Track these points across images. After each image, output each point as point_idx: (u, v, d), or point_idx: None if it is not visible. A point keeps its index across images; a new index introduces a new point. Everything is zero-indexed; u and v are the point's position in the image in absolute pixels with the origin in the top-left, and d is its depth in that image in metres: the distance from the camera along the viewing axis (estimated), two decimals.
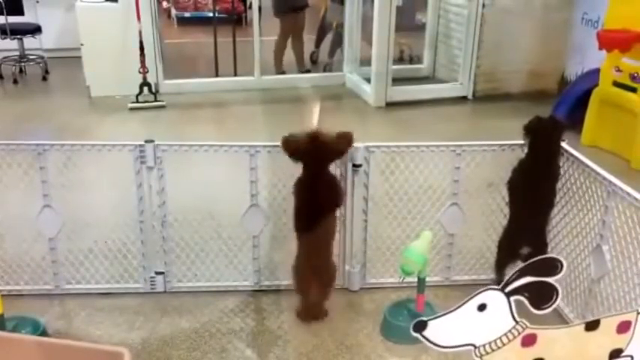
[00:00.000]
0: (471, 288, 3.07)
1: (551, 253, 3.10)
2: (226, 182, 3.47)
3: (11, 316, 2.76)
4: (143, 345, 2.81)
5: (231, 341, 2.85)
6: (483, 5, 6.49)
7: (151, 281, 3.19)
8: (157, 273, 3.18)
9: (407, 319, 2.88)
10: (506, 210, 3.14)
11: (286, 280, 3.20)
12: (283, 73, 7.49)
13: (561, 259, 1.72)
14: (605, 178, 2.69)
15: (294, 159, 2.79)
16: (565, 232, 3.02)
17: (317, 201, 2.83)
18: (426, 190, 3.15)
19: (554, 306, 1.72)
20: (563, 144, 3.02)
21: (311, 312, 3.00)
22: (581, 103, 5.50)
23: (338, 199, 2.93)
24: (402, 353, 2.78)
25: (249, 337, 2.88)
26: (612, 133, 5.19)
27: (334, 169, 2.93)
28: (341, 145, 2.84)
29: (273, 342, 2.85)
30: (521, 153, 3.09)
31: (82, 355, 1.90)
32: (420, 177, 3.12)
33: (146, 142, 2.98)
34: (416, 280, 2.85)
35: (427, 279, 2.89)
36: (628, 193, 2.54)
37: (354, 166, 3.03)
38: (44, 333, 2.80)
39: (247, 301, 3.14)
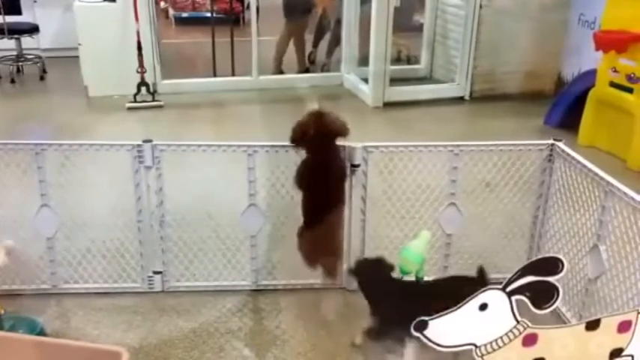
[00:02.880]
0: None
1: (548, 253, 3.11)
2: (224, 182, 3.48)
3: (8, 315, 2.76)
4: (141, 344, 2.81)
5: (229, 341, 2.85)
6: (480, 6, 6.50)
7: (149, 281, 3.19)
8: (155, 272, 3.18)
9: None
10: (504, 209, 3.16)
11: (284, 279, 3.21)
12: (282, 73, 7.49)
13: (562, 258, 1.72)
14: (602, 179, 2.70)
15: (302, 146, 2.84)
16: (562, 232, 3.03)
17: (327, 179, 2.87)
18: (424, 190, 3.16)
19: (555, 305, 1.73)
20: (560, 144, 3.03)
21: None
22: (577, 103, 5.52)
23: (343, 172, 2.98)
24: (400, 352, 2.77)
25: (248, 337, 2.88)
26: (609, 133, 5.20)
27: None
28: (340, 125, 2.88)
29: (271, 341, 2.85)
30: (519, 153, 3.11)
31: (79, 354, 1.90)
32: (417, 177, 3.13)
33: (144, 141, 2.98)
34: (414, 279, 2.85)
35: (425, 278, 2.89)
36: (625, 194, 2.55)
37: (353, 166, 3.03)
38: (42, 332, 2.79)
39: (245, 301, 3.15)
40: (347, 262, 3.20)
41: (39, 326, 2.82)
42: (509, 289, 1.72)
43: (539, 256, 1.79)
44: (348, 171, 3.03)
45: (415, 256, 2.73)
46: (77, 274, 3.19)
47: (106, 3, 6.43)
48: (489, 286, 1.73)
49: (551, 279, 1.72)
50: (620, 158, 5.04)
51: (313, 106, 2.89)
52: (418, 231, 2.90)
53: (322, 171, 2.87)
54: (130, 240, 3.20)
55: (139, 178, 3.01)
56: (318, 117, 2.82)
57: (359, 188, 3.07)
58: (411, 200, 3.19)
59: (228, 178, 3.27)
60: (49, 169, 2.98)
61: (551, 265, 1.72)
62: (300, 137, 2.82)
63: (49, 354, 1.91)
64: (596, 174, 2.75)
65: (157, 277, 3.19)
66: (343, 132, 2.87)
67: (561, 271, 1.71)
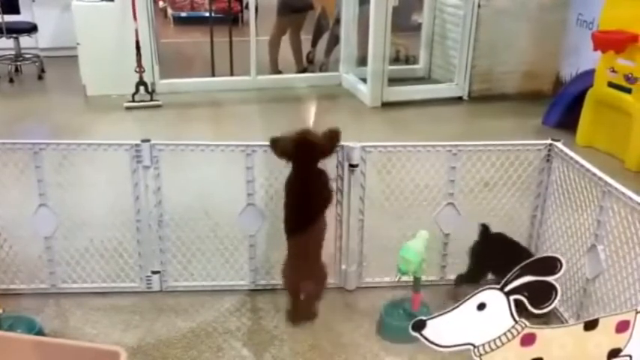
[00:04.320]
0: (466, 287, 3.10)
1: (546, 253, 3.12)
2: (222, 182, 3.48)
3: (7, 315, 2.76)
4: (139, 344, 2.81)
5: (227, 340, 2.85)
6: (479, 6, 6.51)
7: (147, 280, 3.19)
8: (153, 272, 3.18)
9: (403, 318, 2.89)
10: (502, 210, 3.16)
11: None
12: (279, 73, 7.49)
13: (561, 258, 1.72)
14: (600, 179, 2.70)
15: (282, 158, 2.80)
16: (560, 231, 3.03)
17: (306, 201, 2.83)
18: (422, 190, 3.17)
19: (553, 305, 1.73)
20: (558, 144, 3.04)
21: (300, 314, 2.99)
22: (576, 103, 5.53)
23: (328, 198, 2.92)
24: (398, 352, 2.78)
25: (246, 337, 2.88)
26: (607, 133, 5.21)
27: (331, 168, 2.94)
28: (327, 144, 2.83)
29: (269, 341, 2.85)
30: (517, 153, 3.11)
31: (77, 354, 1.90)
32: (416, 177, 3.13)
33: (142, 141, 2.98)
34: (412, 279, 2.86)
35: (423, 278, 2.90)
36: (623, 193, 2.55)
37: (351, 166, 3.03)
38: (40, 332, 2.79)
39: (243, 301, 3.15)
40: (345, 262, 3.21)
41: (37, 326, 2.82)
42: (507, 288, 1.72)
43: (538, 256, 1.79)
44: (336, 180, 3.02)
45: (414, 255, 2.74)
46: (75, 273, 3.19)
47: (104, 2, 6.42)
48: (487, 286, 1.73)
49: (549, 279, 1.72)
50: (618, 158, 5.05)
51: (305, 119, 2.86)
52: (416, 231, 2.90)
53: (303, 191, 2.83)
54: (129, 240, 3.20)
55: (137, 178, 3.01)
56: (301, 136, 2.77)
57: (357, 188, 3.08)
58: (409, 200, 3.19)
59: (227, 178, 3.27)
60: (48, 169, 2.98)
61: (550, 265, 1.72)
62: (280, 149, 2.79)
63: (48, 353, 1.90)
64: (594, 174, 2.75)
65: (155, 276, 3.18)
66: (326, 151, 2.84)
67: (560, 270, 1.72)
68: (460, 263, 3.29)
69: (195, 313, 3.04)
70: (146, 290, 3.19)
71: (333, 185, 3.01)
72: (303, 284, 2.93)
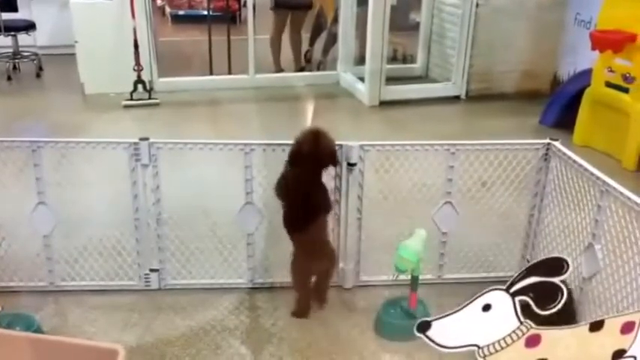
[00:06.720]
0: (463, 286, 3.13)
1: (543, 252, 3.13)
2: (221, 180, 3.49)
3: (5, 312, 2.76)
4: (138, 342, 2.82)
5: (225, 338, 2.86)
6: (477, 5, 6.52)
7: (146, 279, 3.19)
8: (152, 270, 3.19)
9: (400, 316, 2.90)
10: (499, 209, 3.17)
11: (281, 277, 3.22)
12: (282, 71, 7.49)
13: (567, 259, 1.72)
14: (598, 178, 2.71)
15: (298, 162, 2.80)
16: (558, 230, 3.04)
17: (311, 203, 2.85)
18: (420, 189, 3.17)
19: (559, 306, 1.72)
20: (556, 143, 3.05)
21: (307, 304, 3.02)
22: (573, 103, 5.54)
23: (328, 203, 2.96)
24: (395, 350, 2.79)
25: (244, 335, 2.89)
26: (604, 133, 5.22)
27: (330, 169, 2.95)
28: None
29: (267, 339, 2.86)
30: (515, 152, 3.12)
31: (76, 352, 1.90)
32: (414, 176, 3.14)
33: (141, 139, 2.98)
34: (409, 277, 2.87)
35: (420, 277, 2.91)
36: (621, 193, 2.56)
37: (349, 164, 3.04)
38: (38, 330, 2.79)
39: (242, 299, 3.15)
40: (343, 260, 3.21)
41: (36, 324, 2.82)
42: (512, 289, 1.71)
43: (544, 257, 1.78)
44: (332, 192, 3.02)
45: (412, 254, 2.75)
46: (74, 271, 3.19)
47: (103, 0, 6.41)
48: (493, 287, 1.72)
49: (555, 280, 1.71)
50: (615, 158, 5.06)
51: (308, 116, 2.86)
52: (414, 229, 2.91)
53: (301, 190, 2.84)
54: (127, 238, 3.20)
55: (136, 176, 3.02)
56: (315, 136, 2.78)
57: (355, 187, 3.08)
58: (407, 199, 3.20)
59: (225, 177, 3.28)
60: (46, 167, 2.98)
61: (556, 266, 1.72)
62: (295, 154, 2.79)
63: (46, 351, 1.91)
64: (592, 173, 2.76)
65: (154, 275, 3.19)
66: (333, 157, 2.86)
67: (566, 271, 1.70)
68: (458, 262, 3.31)
69: (194, 312, 3.05)
70: (145, 288, 3.19)
71: (332, 185, 3.02)
72: (315, 265, 2.95)
